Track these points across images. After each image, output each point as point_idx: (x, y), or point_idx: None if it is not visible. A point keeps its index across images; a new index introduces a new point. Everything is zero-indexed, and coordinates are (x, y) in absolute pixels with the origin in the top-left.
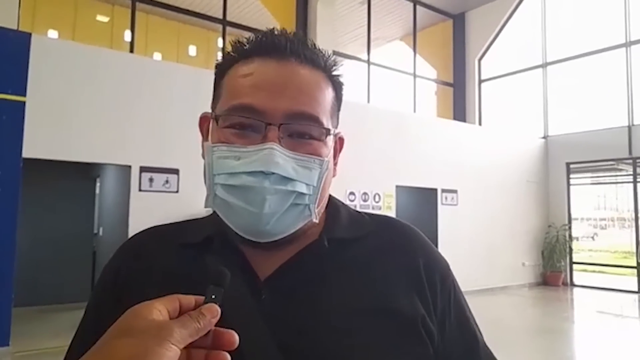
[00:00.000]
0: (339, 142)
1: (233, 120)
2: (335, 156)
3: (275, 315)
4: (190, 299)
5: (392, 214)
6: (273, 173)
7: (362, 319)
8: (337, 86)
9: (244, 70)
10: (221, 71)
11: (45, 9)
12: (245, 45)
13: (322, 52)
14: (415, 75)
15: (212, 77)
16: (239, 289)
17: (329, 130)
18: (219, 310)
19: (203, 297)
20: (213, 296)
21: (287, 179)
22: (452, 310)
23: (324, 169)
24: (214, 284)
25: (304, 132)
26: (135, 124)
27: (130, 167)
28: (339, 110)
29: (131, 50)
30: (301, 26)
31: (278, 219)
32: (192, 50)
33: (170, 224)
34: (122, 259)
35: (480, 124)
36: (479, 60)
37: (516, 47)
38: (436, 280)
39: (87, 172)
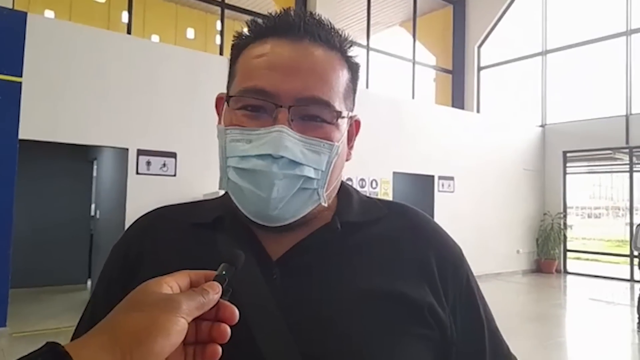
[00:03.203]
0: (355, 125)
1: (245, 102)
2: (350, 140)
3: (286, 295)
4: (199, 275)
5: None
6: (282, 157)
7: (369, 300)
8: (353, 68)
9: (258, 50)
10: (236, 51)
11: None
12: (260, 26)
13: (338, 33)
14: (414, 62)
15: (210, 60)
16: (250, 268)
17: (339, 113)
18: (220, 287)
19: (213, 273)
20: (224, 272)
21: (296, 163)
22: (462, 299)
23: (333, 154)
24: (227, 263)
25: (315, 115)
26: (133, 106)
27: (127, 150)
28: (354, 92)
29: (128, 32)
30: (300, 9)
31: (286, 203)
32: (190, 33)
33: (181, 204)
34: (133, 237)
35: (478, 111)
36: (479, 47)
37: (516, 34)
38: (448, 271)
39: (84, 154)
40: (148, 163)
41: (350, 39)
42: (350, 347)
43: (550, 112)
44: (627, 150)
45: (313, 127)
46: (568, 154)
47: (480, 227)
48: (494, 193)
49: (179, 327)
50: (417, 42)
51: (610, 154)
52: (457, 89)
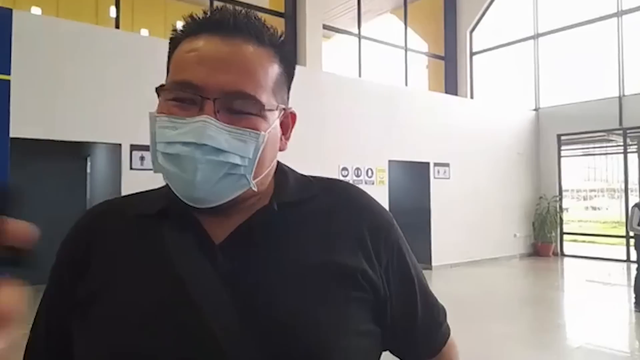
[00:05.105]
0: (291, 118)
1: (175, 94)
2: (286, 131)
3: (231, 277)
4: None
5: (385, 188)
6: (205, 144)
7: (309, 273)
8: (286, 62)
9: (191, 46)
10: (172, 46)
11: None
12: (195, 22)
13: (269, 29)
14: (406, 49)
15: None
16: (195, 253)
17: (264, 105)
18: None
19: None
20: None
21: (219, 150)
22: (394, 261)
23: (260, 142)
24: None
25: (240, 107)
26: (124, 101)
27: (120, 145)
28: (288, 85)
29: (117, 26)
30: (290, 0)
31: (212, 186)
32: (180, 26)
33: (125, 196)
34: (79, 234)
35: (471, 96)
36: (471, 32)
37: (508, 18)
38: (380, 237)
39: (78, 151)
40: (142, 158)
41: (281, 34)
42: (290, 313)
43: (543, 96)
44: (620, 131)
45: (239, 119)
46: (562, 137)
47: (476, 212)
48: (490, 178)
49: None
50: (408, 29)
51: (604, 135)
52: (450, 75)
